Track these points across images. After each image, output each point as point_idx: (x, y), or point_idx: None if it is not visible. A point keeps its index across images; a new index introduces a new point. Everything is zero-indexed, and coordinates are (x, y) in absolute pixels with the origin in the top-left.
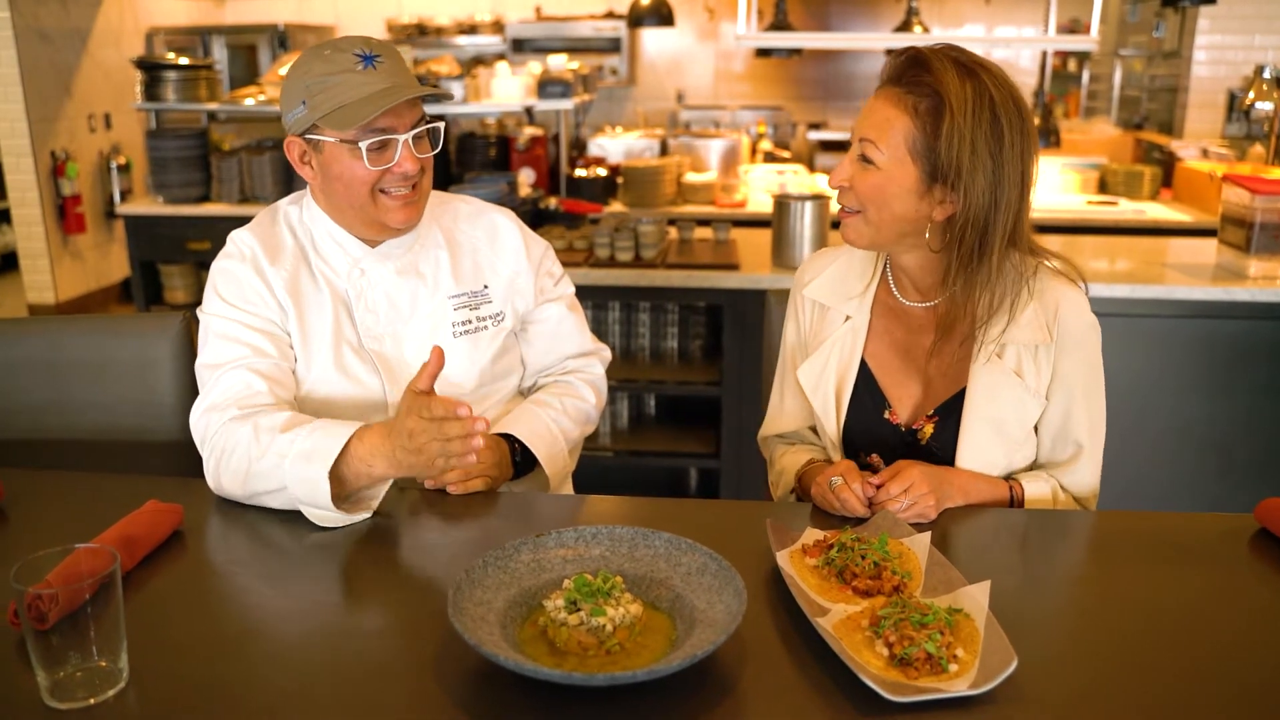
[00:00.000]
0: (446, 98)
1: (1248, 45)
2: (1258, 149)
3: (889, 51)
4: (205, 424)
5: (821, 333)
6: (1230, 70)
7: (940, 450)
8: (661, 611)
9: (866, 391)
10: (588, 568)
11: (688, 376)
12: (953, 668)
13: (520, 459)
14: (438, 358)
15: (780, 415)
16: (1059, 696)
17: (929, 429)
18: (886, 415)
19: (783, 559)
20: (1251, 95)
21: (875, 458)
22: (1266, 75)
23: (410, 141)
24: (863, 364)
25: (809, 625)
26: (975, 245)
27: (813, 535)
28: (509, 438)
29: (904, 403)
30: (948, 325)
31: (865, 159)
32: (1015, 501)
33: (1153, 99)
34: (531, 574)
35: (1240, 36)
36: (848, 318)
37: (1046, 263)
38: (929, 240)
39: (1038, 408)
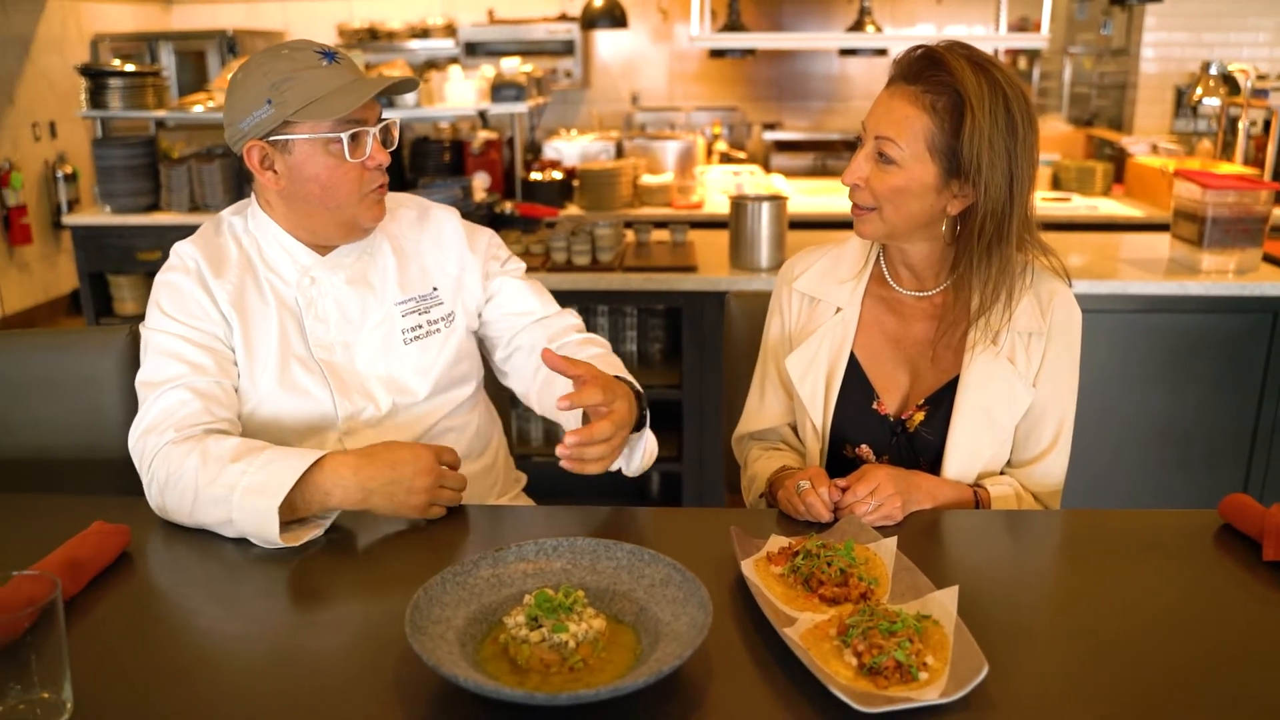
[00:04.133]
0: (415, 86)
1: (1195, 42)
2: (1206, 144)
3: (843, 51)
4: (143, 447)
5: (810, 325)
6: (1177, 67)
7: (930, 436)
8: (625, 625)
9: (855, 382)
10: (549, 582)
11: (647, 380)
12: (923, 676)
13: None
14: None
15: (759, 412)
16: (1030, 701)
17: (918, 417)
18: (875, 406)
19: (747, 568)
20: (1199, 91)
21: (864, 448)
22: (1214, 72)
23: (377, 135)
24: (851, 355)
25: (776, 636)
26: (992, 236)
27: (777, 542)
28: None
29: (891, 393)
30: (945, 315)
31: (883, 156)
32: (980, 505)
33: (1102, 95)
34: (491, 590)
35: (1187, 34)
36: (839, 309)
37: (1041, 258)
38: (944, 233)
39: (1027, 396)
